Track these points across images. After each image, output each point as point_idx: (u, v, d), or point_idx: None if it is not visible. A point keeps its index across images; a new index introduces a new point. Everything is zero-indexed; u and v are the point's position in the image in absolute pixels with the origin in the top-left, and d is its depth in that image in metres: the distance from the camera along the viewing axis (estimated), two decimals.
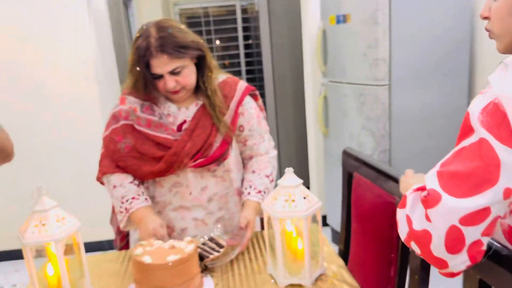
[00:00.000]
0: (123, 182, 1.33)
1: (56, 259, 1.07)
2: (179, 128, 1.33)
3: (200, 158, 1.30)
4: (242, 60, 6.07)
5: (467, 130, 0.67)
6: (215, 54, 6.05)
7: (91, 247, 2.10)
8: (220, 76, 1.38)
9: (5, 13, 2.71)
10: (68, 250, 1.07)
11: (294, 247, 1.13)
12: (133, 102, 1.34)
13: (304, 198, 1.07)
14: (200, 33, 5.94)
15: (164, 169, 1.29)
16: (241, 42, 6.02)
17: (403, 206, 0.73)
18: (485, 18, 0.81)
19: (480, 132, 0.64)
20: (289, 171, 1.09)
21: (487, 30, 0.82)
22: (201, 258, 1.17)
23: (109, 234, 1.65)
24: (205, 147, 1.30)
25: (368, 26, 2.20)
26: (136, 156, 1.32)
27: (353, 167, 1.13)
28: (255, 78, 4.71)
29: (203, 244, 1.23)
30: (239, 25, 5.95)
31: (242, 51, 6.05)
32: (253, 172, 1.40)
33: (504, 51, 0.81)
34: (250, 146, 1.41)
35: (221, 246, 1.21)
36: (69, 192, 2.60)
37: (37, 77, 2.81)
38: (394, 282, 0.96)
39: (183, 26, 1.28)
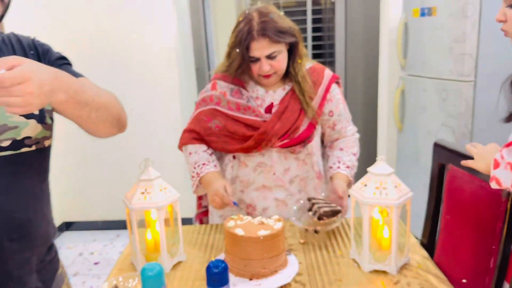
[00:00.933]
0: (198, 150, 1.44)
1: (154, 226, 1.17)
2: (267, 110, 1.38)
3: (287, 139, 1.36)
4: (310, 52, 6.05)
5: None
6: None
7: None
8: (307, 63, 1.42)
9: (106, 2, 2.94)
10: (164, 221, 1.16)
11: (379, 235, 1.14)
12: (223, 87, 1.42)
13: (395, 187, 1.07)
14: None
15: (252, 146, 1.36)
16: (309, 34, 6.01)
17: (497, 165, 0.82)
18: (501, 21, 1.01)
19: None
20: (381, 159, 1.10)
21: (503, 30, 1.02)
22: (319, 218, 1.23)
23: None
24: (292, 129, 1.35)
25: (456, 20, 2.11)
26: (226, 134, 1.40)
27: (446, 159, 1.12)
28: None
29: (316, 205, 1.28)
30: (309, 16, 5.93)
31: (310, 43, 6.03)
32: (341, 149, 1.47)
33: None
34: (338, 130, 1.47)
35: (338, 211, 1.26)
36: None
37: (126, 59, 3.02)
38: (494, 273, 0.95)
39: (282, 13, 1.32)
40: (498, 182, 0.86)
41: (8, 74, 0.69)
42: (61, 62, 1.00)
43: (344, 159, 1.44)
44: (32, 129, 0.90)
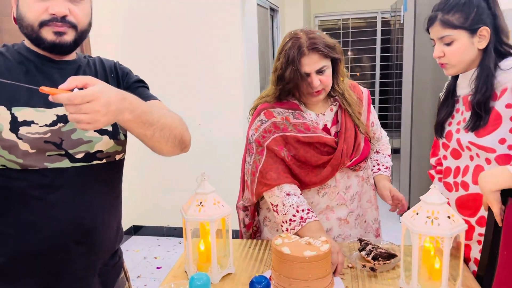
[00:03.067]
0: (296, 192, 1.34)
1: (208, 237, 1.24)
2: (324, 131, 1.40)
3: (354, 157, 1.39)
4: (377, 72, 5.95)
5: None
6: (349, 65, 6.05)
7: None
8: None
9: (181, 24, 3.16)
10: (217, 233, 1.22)
11: (430, 265, 1.11)
12: (283, 113, 1.38)
13: (449, 217, 1.04)
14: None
15: (330, 172, 1.35)
16: (378, 54, 5.91)
17: None
18: (440, 57, 1.24)
19: None
20: (433, 188, 1.07)
21: (442, 63, 1.25)
22: (374, 258, 1.25)
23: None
24: (356, 147, 1.39)
25: None
26: (299, 165, 1.36)
27: (508, 190, 1.07)
28: (390, 91, 4.58)
29: (371, 246, 1.30)
30: (378, 36, 5.85)
31: (378, 63, 5.93)
32: (377, 152, 1.62)
33: (458, 73, 1.28)
34: (377, 137, 1.60)
35: (393, 256, 1.26)
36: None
37: (194, 79, 3.21)
38: None
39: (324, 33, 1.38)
40: None
41: (79, 93, 0.77)
42: (138, 85, 1.11)
43: (382, 161, 1.58)
44: (104, 144, 1.02)
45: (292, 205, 1.32)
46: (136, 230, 3.62)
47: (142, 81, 1.13)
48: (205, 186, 1.21)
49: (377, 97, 5.96)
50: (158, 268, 3.04)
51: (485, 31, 1.19)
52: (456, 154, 1.30)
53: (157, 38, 3.22)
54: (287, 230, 1.32)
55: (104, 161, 1.03)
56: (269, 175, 1.35)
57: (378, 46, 5.91)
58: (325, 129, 1.40)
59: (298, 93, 1.36)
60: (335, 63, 1.36)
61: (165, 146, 1.00)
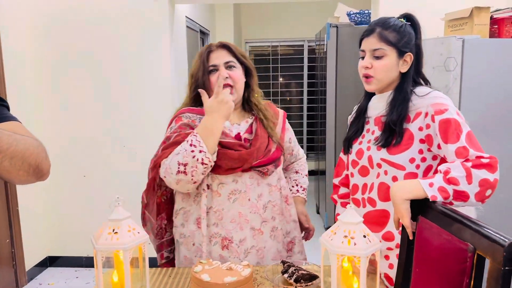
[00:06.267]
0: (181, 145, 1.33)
1: (122, 267, 1.15)
2: (236, 139, 1.44)
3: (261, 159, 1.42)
4: (305, 97, 6.18)
5: None
6: (278, 90, 6.23)
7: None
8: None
9: (108, 42, 3.04)
10: (132, 262, 1.14)
11: (349, 285, 1.12)
12: (190, 117, 1.44)
13: (364, 236, 1.07)
14: (267, 69, 6.20)
15: (237, 158, 1.37)
16: (305, 80, 6.16)
17: (470, 180, 1.12)
18: (367, 68, 1.32)
19: None
20: (350, 208, 1.10)
21: (368, 76, 1.32)
22: (296, 280, 1.24)
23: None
24: (266, 152, 1.44)
25: (440, 73, 2.18)
26: None
27: (419, 208, 1.12)
28: (316, 116, 4.76)
29: (293, 268, 1.29)
30: (305, 64, 6.11)
31: (305, 89, 6.17)
32: (296, 172, 1.68)
33: (377, 90, 1.36)
34: (295, 154, 1.67)
35: (315, 277, 1.25)
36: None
37: (120, 99, 3.08)
38: None
39: None
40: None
41: None
42: None
43: (300, 181, 1.66)
44: None
45: (184, 148, 1.29)
46: (51, 261, 3.31)
47: (1, 100, 1.02)
48: (119, 211, 1.13)
49: (304, 121, 6.16)
50: None
51: (409, 57, 1.31)
52: (364, 172, 1.38)
53: (83, 55, 3.07)
54: (200, 152, 1.27)
55: None
56: (164, 151, 1.39)
57: (306, 72, 6.17)
58: (237, 137, 1.44)
59: (209, 94, 1.37)
60: (248, 76, 1.48)
61: (16, 176, 0.90)
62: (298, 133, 6.17)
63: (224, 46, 1.43)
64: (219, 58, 1.41)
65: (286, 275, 1.27)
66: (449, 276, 0.99)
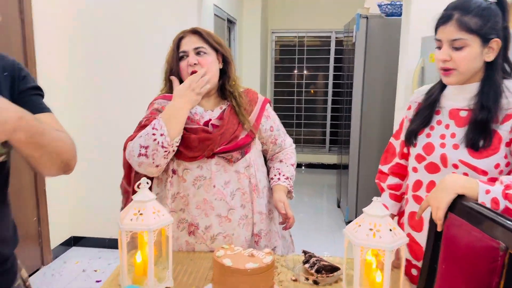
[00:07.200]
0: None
1: (145, 249, 1.16)
2: (205, 124, 1.43)
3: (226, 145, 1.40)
4: (330, 90, 6.10)
5: None
6: (303, 81, 6.17)
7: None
8: (240, 88, 1.53)
9: (136, 33, 3.06)
10: (155, 244, 1.15)
11: (372, 279, 1.11)
12: (162, 103, 1.46)
13: (390, 230, 1.05)
14: (291, 61, 6.14)
15: (197, 144, 1.36)
16: (331, 72, 6.08)
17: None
18: (446, 60, 1.14)
19: None
20: (376, 200, 1.08)
21: (448, 69, 1.14)
22: (318, 271, 1.23)
23: None
24: (232, 138, 1.41)
25: None
26: None
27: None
28: (341, 109, 4.70)
29: (315, 258, 1.28)
30: (332, 55, 6.02)
31: (331, 81, 6.09)
32: (280, 161, 1.58)
33: (458, 83, 1.17)
34: (279, 143, 1.59)
35: (336, 269, 1.24)
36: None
37: (146, 90, 3.11)
38: None
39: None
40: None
41: None
42: (34, 92, 1.02)
43: (284, 170, 1.54)
44: None
45: (146, 132, 1.32)
46: (76, 241, 3.41)
47: (38, 88, 1.04)
48: (145, 193, 1.15)
49: (328, 114, 6.09)
50: (97, 281, 2.87)
51: (495, 44, 1.12)
52: (432, 169, 1.23)
53: (110, 46, 3.11)
54: (161, 135, 1.29)
55: None
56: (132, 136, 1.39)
57: (332, 65, 6.08)
58: (206, 123, 1.44)
59: (181, 81, 1.40)
60: (226, 65, 1.47)
61: (49, 169, 0.95)
62: (321, 126, 6.11)
63: (196, 32, 1.42)
64: (189, 44, 1.41)
65: (307, 265, 1.27)
66: (477, 275, 0.95)
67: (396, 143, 1.42)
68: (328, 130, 6.11)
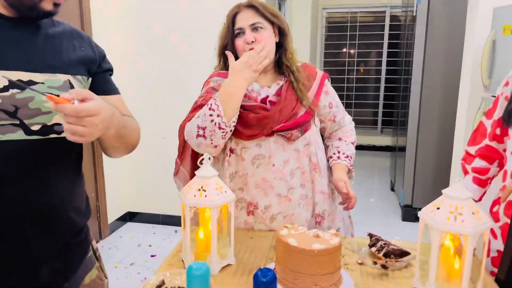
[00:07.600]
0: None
1: (208, 225, 1.15)
2: (262, 101, 1.37)
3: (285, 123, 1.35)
4: (383, 68, 5.85)
5: None
6: (355, 59, 5.94)
7: None
8: (298, 62, 1.45)
9: (183, 13, 3.05)
10: (218, 220, 1.13)
11: (449, 265, 1.02)
12: (218, 81, 1.40)
13: (473, 213, 0.96)
14: (341, 38, 5.92)
15: (256, 123, 1.32)
16: (385, 50, 5.81)
17: None
18: None
19: None
20: (458, 182, 0.98)
21: None
22: (386, 255, 1.17)
23: None
24: (291, 115, 1.35)
25: None
26: None
27: None
28: (397, 88, 4.48)
29: (382, 242, 1.22)
30: (386, 32, 5.74)
31: (384, 59, 5.83)
32: (339, 139, 1.51)
33: None
34: (338, 121, 1.51)
35: (406, 253, 1.18)
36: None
37: (190, 71, 3.12)
38: None
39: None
40: None
41: (85, 106, 0.77)
42: (110, 73, 1.08)
43: (343, 149, 1.47)
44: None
45: (204, 112, 1.28)
46: (131, 216, 3.53)
47: (112, 70, 1.10)
48: (208, 169, 1.12)
49: (381, 93, 5.85)
50: (152, 256, 2.96)
51: None
52: None
53: (159, 25, 3.13)
54: (218, 116, 1.25)
55: (62, 135, 0.90)
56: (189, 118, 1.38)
57: (386, 41, 5.80)
58: (263, 100, 1.38)
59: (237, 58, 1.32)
60: (282, 37, 1.40)
61: (121, 154, 1.06)
62: (373, 106, 5.89)
63: (251, 6, 1.35)
64: (245, 19, 1.34)
65: (374, 249, 1.20)
66: None
67: (488, 123, 1.29)
68: (380, 110, 5.88)
